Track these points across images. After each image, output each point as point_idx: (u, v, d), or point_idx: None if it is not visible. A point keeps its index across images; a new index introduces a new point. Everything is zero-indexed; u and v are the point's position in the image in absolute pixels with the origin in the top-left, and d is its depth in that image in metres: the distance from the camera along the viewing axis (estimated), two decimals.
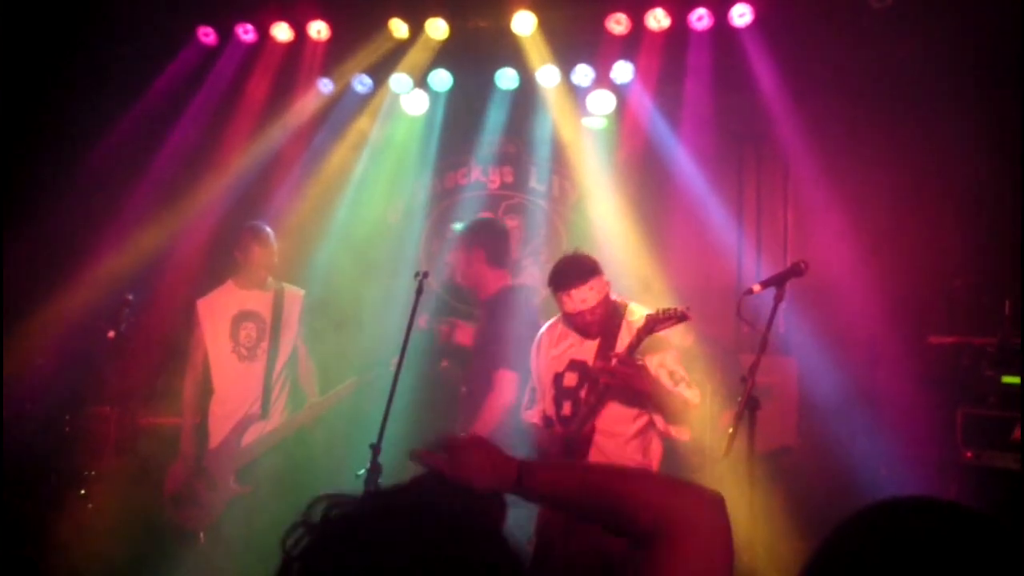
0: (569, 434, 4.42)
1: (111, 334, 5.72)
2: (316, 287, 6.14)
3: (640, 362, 4.27)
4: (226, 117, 7.35)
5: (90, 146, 7.07)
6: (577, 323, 4.49)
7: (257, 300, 5.54)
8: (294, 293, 5.64)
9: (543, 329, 4.81)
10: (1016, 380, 5.50)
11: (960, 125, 6.34)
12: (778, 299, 4.22)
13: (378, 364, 5.42)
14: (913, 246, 6.61)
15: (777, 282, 4.24)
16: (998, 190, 6.22)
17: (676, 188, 7.11)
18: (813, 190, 6.82)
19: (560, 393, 4.57)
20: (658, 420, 4.43)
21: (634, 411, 4.43)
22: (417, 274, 4.95)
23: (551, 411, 4.59)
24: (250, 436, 5.38)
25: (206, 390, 5.57)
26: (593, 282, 4.36)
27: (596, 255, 6.39)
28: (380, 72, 7.34)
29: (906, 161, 6.64)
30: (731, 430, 4.04)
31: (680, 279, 6.67)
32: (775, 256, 6.83)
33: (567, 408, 4.52)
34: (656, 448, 4.54)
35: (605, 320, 4.45)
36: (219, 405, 5.49)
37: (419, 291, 4.85)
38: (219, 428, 5.45)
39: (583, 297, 4.35)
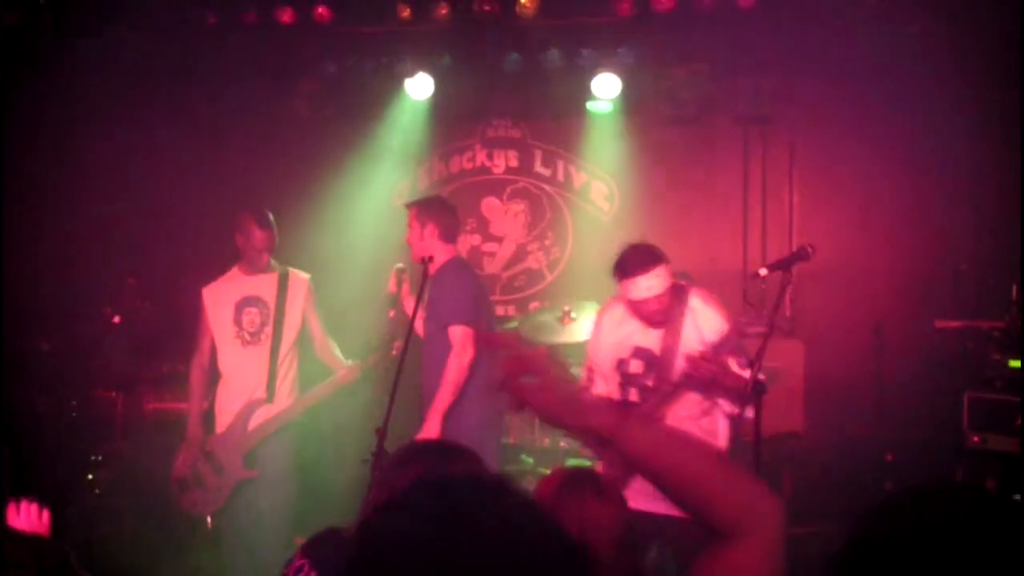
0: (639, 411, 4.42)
1: (116, 319, 5.74)
2: (321, 271, 6.13)
3: (723, 359, 4.27)
4: (229, 101, 7.33)
5: (92, 130, 7.06)
6: (642, 311, 4.44)
7: (260, 285, 5.53)
8: (299, 277, 5.63)
9: (602, 310, 4.81)
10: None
11: (967, 109, 6.32)
12: (785, 283, 4.21)
13: (379, 348, 5.43)
14: (919, 230, 6.59)
15: (784, 266, 4.24)
16: (1005, 173, 6.19)
17: (681, 171, 7.09)
18: (819, 173, 6.80)
19: (626, 380, 4.57)
20: (724, 403, 4.44)
21: (700, 395, 4.45)
22: (423, 259, 4.97)
23: (616, 395, 4.59)
24: (256, 420, 5.39)
25: (213, 376, 5.58)
26: (658, 270, 4.32)
27: (600, 239, 6.46)
28: (384, 56, 7.31)
29: (912, 144, 6.61)
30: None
31: (686, 263, 6.64)
32: (781, 240, 6.81)
33: (634, 394, 4.53)
34: (724, 426, 4.54)
35: (670, 307, 4.43)
36: (225, 390, 5.50)
37: (425, 274, 4.87)
38: (225, 413, 5.46)
39: (648, 285, 4.31)
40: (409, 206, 5.45)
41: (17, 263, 6.65)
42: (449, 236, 5.38)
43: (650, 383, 4.47)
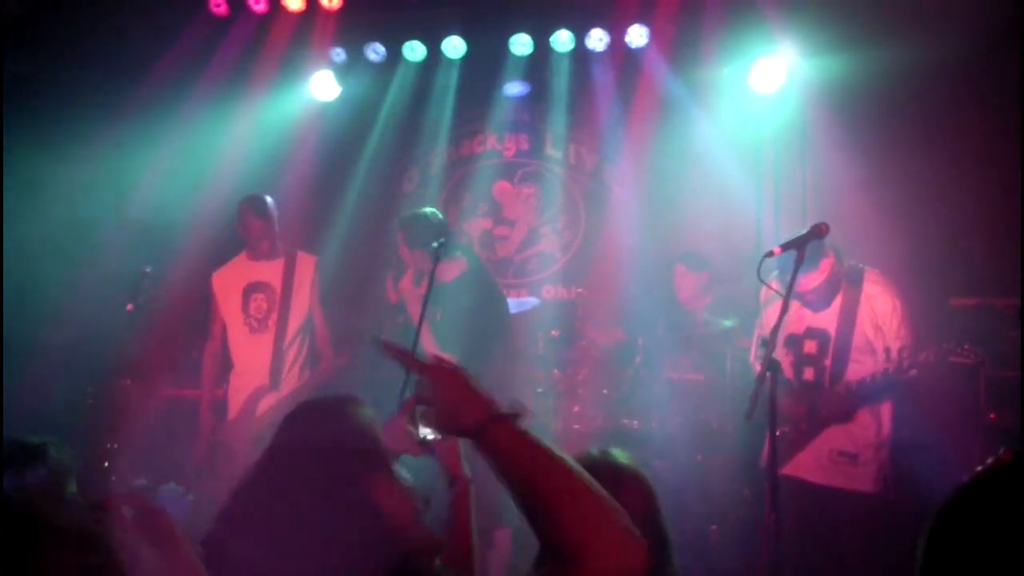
0: (821, 401, 4.61)
1: (130, 307, 5.73)
2: (331, 257, 6.13)
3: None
4: (239, 87, 7.32)
5: (103, 118, 7.05)
6: (805, 300, 4.62)
7: (267, 270, 5.54)
8: (306, 259, 5.62)
9: (768, 285, 4.72)
10: None
11: (981, 85, 6.27)
12: (799, 261, 4.19)
13: (372, 337, 5.35)
14: (933, 207, 6.54)
15: (798, 245, 4.21)
16: (1016, 149, 6.14)
17: (693, 151, 7.06)
18: (832, 152, 6.75)
19: (800, 359, 4.72)
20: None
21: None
22: (434, 242, 4.93)
23: (789, 373, 4.68)
24: (263, 406, 5.41)
25: (227, 363, 5.60)
26: (822, 264, 4.49)
27: (612, 221, 6.42)
28: (393, 40, 7.29)
29: (925, 121, 6.57)
30: (753, 392, 4.03)
31: (699, 242, 6.63)
32: (794, 219, 6.77)
33: (809, 374, 4.70)
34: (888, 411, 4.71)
35: (835, 291, 4.61)
36: (237, 377, 5.53)
37: (436, 259, 4.84)
38: (237, 400, 5.49)
39: (797, 281, 4.38)
40: (396, 231, 5.25)
41: (29, 252, 6.66)
42: (443, 255, 5.06)
43: (827, 363, 4.61)
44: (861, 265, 4.70)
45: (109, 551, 1.41)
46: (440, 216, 5.29)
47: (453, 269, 5.19)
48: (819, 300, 4.59)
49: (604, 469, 2.47)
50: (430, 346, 5.10)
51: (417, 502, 1.81)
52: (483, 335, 5.10)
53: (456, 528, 2.56)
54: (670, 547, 2.50)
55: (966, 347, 4.32)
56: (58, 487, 2.73)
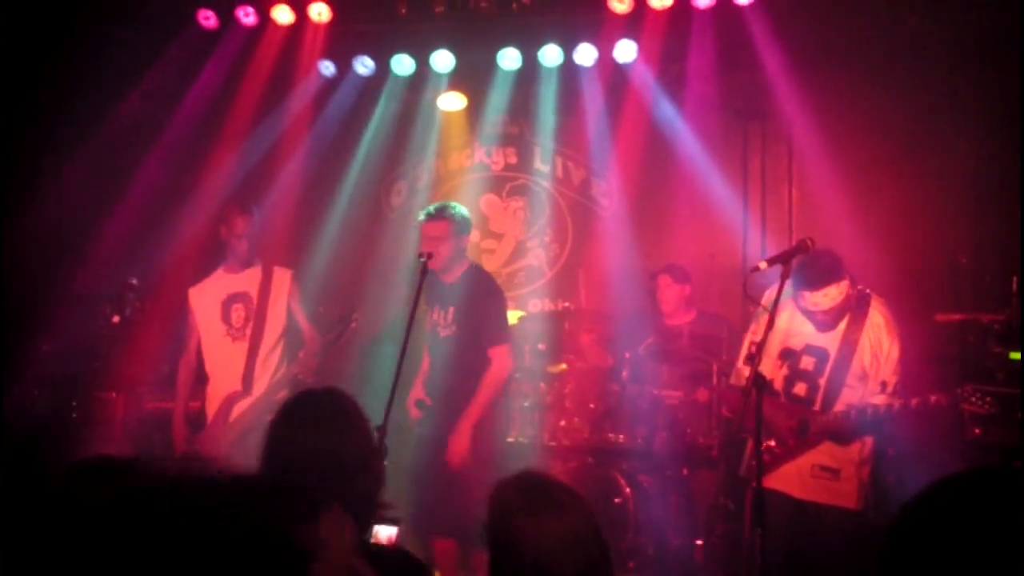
0: (816, 422, 4.56)
1: (116, 319, 5.72)
2: (318, 270, 6.11)
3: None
4: (228, 100, 7.32)
5: (91, 131, 7.04)
6: (815, 319, 4.58)
7: (245, 281, 5.54)
8: (282, 272, 5.63)
9: (769, 292, 4.67)
10: None
11: (967, 102, 6.31)
12: (784, 276, 4.21)
13: (340, 322, 5.35)
14: (919, 223, 6.58)
15: (783, 259, 4.23)
16: (1005, 166, 6.18)
17: (680, 167, 7.08)
18: (818, 167, 6.78)
19: (794, 373, 4.66)
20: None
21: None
22: (420, 255, 4.95)
23: (779, 385, 4.64)
24: (236, 412, 5.40)
25: (202, 376, 5.58)
26: (837, 284, 4.43)
27: (599, 236, 6.43)
28: (382, 53, 7.31)
29: (912, 138, 6.61)
30: (739, 407, 4.05)
31: (686, 258, 6.64)
32: (780, 234, 6.80)
33: (801, 389, 4.63)
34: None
35: (844, 313, 4.55)
36: (214, 389, 5.51)
37: (423, 272, 4.86)
38: (211, 409, 5.49)
39: (816, 301, 4.45)
40: (446, 219, 5.32)
41: (18, 263, 6.64)
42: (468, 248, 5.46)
43: (823, 382, 4.57)
44: (867, 291, 4.66)
45: None
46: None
47: (458, 268, 5.31)
48: (828, 321, 4.57)
49: (541, 495, 2.37)
50: (441, 347, 5.27)
51: None
52: (499, 318, 5.29)
53: None
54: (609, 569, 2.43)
55: (976, 394, 4.28)
56: None
